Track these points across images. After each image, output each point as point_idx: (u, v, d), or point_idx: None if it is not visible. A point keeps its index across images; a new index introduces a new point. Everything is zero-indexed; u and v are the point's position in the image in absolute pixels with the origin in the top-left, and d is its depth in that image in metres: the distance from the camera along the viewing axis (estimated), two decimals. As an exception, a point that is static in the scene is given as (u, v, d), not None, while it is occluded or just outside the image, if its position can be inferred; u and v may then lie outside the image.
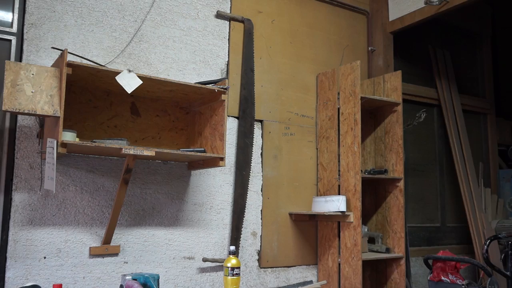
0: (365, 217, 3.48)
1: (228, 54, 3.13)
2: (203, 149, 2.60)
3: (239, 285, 2.31)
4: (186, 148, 2.73)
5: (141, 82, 2.32)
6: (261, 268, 3.10)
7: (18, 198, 2.37)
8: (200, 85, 2.55)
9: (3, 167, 2.37)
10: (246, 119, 3.12)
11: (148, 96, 2.71)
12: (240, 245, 3.02)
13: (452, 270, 3.45)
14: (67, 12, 2.59)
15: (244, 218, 3.04)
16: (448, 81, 4.60)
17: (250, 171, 3.10)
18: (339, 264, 3.14)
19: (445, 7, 3.42)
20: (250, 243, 3.08)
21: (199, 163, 2.77)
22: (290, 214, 3.25)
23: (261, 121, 3.22)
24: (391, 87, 3.47)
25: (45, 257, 2.41)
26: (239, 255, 3.00)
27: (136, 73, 2.32)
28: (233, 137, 3.07)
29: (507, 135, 5.37)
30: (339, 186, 3.23)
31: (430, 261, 3.49)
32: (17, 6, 2.47)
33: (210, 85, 2.60)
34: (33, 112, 2.12)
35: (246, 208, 3.06)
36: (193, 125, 2.86)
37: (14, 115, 2.39)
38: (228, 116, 3.04)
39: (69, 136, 2.21)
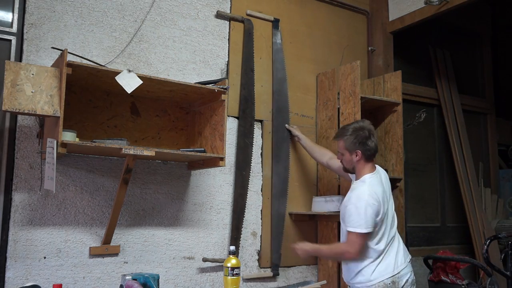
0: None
1: (228, 54, 3.13)
2: (203, 149, 2.60)
3: (239, 285, 2.31)
4: (186, 148, 2.73)
5: (141, 82, 2.32)
6: (261, 268, 3.10)
7: (18, 198, 2.37)
8: (200, 85, 2.55)
9: (3, 167, 2.37)
10: (246, 119, 3.11)
11: (148, 96, 2.71)
12: (240, 245, 3.02)
13: (452, 270, 3.45)
14: (67, 12, 2.59)
15: (244, 218, 3.04)
16: (448, 81, 4.60)
17: (250, 171, 3.10)
18: (339, 264, 3.13)
19: (445, 7, 3.42)
20: (250, 243, 3.08)
21: (199, 163, 2.77)
22: (290, 214, 3.25)
23: (261, 121, 3.22)
24: (391, 87, 3.47)
25: (45, 257, 2.41)
26: (239, 255, 3.00)
27: (136, 73, 2.32)
28: (233, 137, 3.07)
29: (507, 135, 5.37)
30: (339, 186, 3.23)
31: (430, 261, 3.49)
32: (17, 6, 2.47)
33: (210, 85, 2.60)
34: (33, 112, 2.12)
35: (246, 208, 3.05)
36: (193, 125, 2.86)
37: (14, 115, 2.39)
38: (228, 116, 3.04)
39: (69, 136, 2.21)
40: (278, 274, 3.10)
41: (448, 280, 3.44)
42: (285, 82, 3.30)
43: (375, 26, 3.88)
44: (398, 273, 2.40)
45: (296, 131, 3.19)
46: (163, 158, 2.73)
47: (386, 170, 3.37)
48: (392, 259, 2.42)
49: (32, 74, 2.16)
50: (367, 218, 2.32)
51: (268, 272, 3.08)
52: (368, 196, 2.36)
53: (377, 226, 2.38)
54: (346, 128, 2.51)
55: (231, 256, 2.32)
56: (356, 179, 2.52)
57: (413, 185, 4.29)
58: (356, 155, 2.45)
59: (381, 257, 2.40)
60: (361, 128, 2.46)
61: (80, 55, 2.49)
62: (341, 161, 2.59)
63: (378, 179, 2.49)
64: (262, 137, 3.21)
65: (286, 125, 3.23)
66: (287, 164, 3.23)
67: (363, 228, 2.32)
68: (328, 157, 2.95)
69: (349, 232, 2.37)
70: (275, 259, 3.10)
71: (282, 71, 3.30)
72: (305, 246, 2.60)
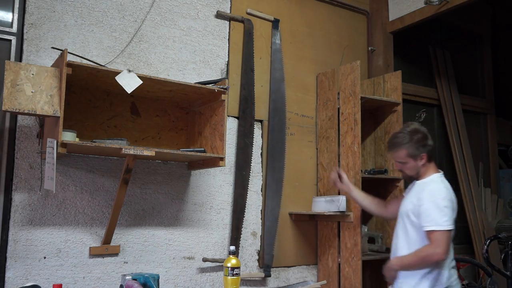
0: (365, 217, 3.47)
1: (228, 54, 3.13)
2: (203, 149, 2.60)
3: (239, 285, 2.31)
4: (186, 148, 2.73)
5: (141, 82, 2.32)
6: (261, 268, 3.09)
7: (18, 198, 2.37)
8: (200, 85, 2.55)
9: (3, 167, 2.37)
10: (246, 119, 3.11)
11: (148, 96, 2.71)
12: (240, 245, 3.02)
13: (452, 270, 3.45)
14: (67, 12, 2.59)
15: (244, 218, 3.04)
16: (448, 81, 4.60)
17: (250, 171, 3.10)
18: (339, 264, 3.14)
19: (445, 7, 3.42)
20: (250, 243, 3.08)
21: (199, 163, 2.77)
22: (290, 214, 3.25)
23: (261, 121, 3.22)
24: (391, 87, 3.46)
25: (45, 257, 2.41)
26: (239, 255, 3.00)
27: (136, 73, 2.32)
28: (233, 137, 3.07)
29: (507, 135, 5.37)
30: (339, 186, 3.23)
31: (430, 261, 3.49)
32: (17, 6, 2.47)
33: (210, 85, 2.60)
34: (33, 112, 2.12)
35: (246, 208, 3.05)
36: (193, 125, 2.86)
37: (14, 115, 2.39)
38: (228, 116, 3.04)
39: (69, 136, 2.21)
40: (270, 275, 3.07)
41: (448, 280, 3.43)
42: (283, 82, 3.29)
43: (375, 26, 3.88)
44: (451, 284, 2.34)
45: (348, 182, 2.84)
46: (163, 158, 2.73)
47: (386, 170, 3.38)
48: (450, 267, 2.35)
49: (32, 74, 2.16)
50: (449, 213, 2.24)
51: (259, 273, 3.06)
52: (446, 193, 2.30)
53: None
54: (402, 136, 2.42)
55: (231, 256, 2.32)
56: (420, 179, 2.45)
57: (413, 185, 4.28)
58: (422, 159, 2.40)
59: (447, 261, 2.32)
60: (416, 131, 2.41)
61: (80, 55, 2.49)
62: (400, 170, 2.51)
63: (446, 181, 2.42)
64: (262, 137, 3.21)
65: (338, 168, 3.04)
66: (282, 164, 3.21)
67: (448, 224, 2.22)
68: (383, 204, 2.81)
69: (431, 232, 2.23)
70: (267, 260, 3.07)
71: (280, 71, 3.29)
72: (392, 265, 2.40)
